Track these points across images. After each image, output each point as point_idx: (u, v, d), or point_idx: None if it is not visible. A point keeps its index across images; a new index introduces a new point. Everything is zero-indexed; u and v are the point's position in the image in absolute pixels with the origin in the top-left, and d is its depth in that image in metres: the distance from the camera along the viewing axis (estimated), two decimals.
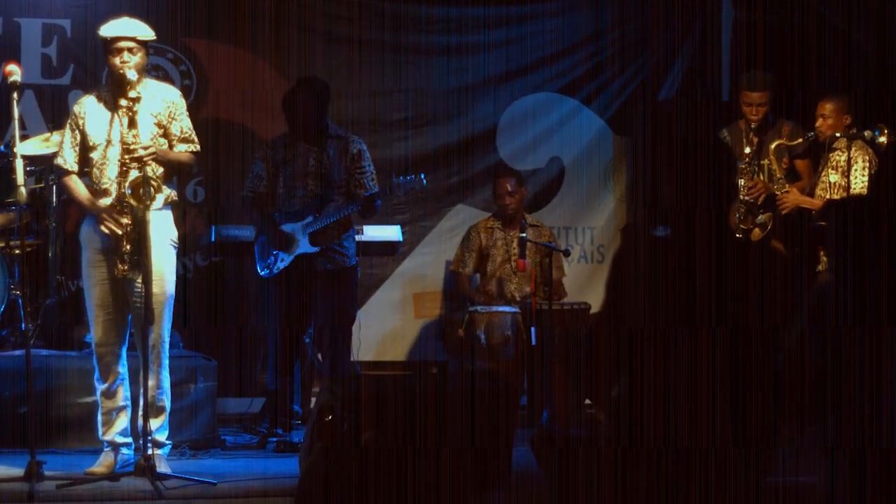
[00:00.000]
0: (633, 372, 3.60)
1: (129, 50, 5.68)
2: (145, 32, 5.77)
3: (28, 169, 7.03)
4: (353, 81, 8.36)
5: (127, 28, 5.73)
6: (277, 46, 8.29)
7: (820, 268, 6.72)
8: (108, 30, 5.73)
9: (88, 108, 5.83)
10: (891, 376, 3.73)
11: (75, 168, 5.82)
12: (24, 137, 6.87)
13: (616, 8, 8.79)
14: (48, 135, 7.24)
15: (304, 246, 6.78)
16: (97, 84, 7.59)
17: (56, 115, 7.89)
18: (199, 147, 5.93)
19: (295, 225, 6.80)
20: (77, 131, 5.82)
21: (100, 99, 5.83)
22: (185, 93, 7.44)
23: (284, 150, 6.91)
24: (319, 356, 6.95)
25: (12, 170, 6.04)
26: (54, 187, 7.21)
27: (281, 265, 6.78)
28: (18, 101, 5.57)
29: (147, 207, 5.47)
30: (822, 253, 6.73)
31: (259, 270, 6.89)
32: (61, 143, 5.93)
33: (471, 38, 8.63)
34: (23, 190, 5.48)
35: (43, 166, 7.31)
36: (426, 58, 8.58)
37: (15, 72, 5.61)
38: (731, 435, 3.52)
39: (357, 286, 7.11)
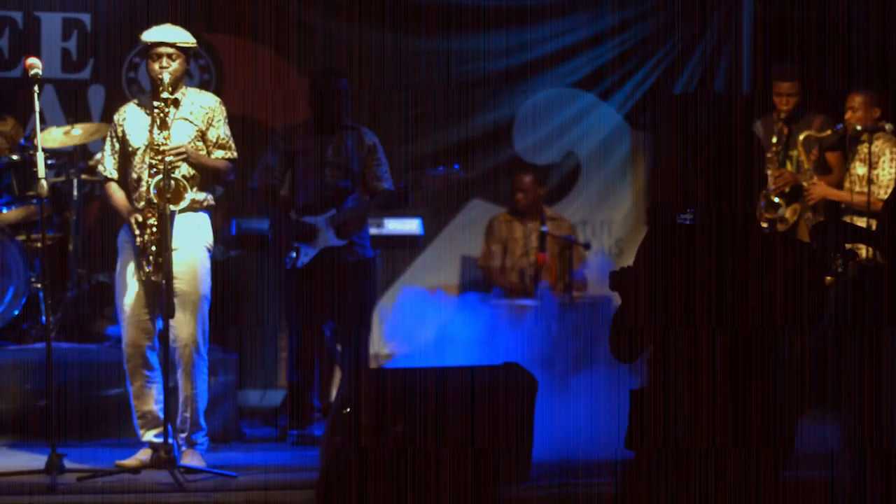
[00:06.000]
0: (656, 366, 3.59)
1: (169, 56, 5.72)
2: (185, 39, 5.80)
3: (49, 162, 7.04)
4: (357, 76, 8.34)
5: (167, 34, 5.77)
6: (295, 41, 8.28)
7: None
8: (149, 35, 5.78)
9: (128, 115, 5.86)
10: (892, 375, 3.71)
11: (114, 175, 5.86)
12: (44, 131, 6.88)
13: (633, 3, 8.77)
14: (69, 128, 7.27)
15: (330, 239, 6.72)
16: (116, 78, 7.62)
17: (76, 109, 7.91)
18: (235, 154, 5.92)
19: (317, 217, 6.73)
20: (116, 139, 5.86)
21: (140, 105, 5.87)
22: (205, 87, 7.44)
23: (300, 141, 6.81)
24: (340, 349, 6.92)
25: (33, 163, 6.07)
26: (75, 180, 7.23)
27: (305, 259, 6.72)
28: (39, 95, 5.58)
29: (168, 205, 5.46)
30: (849, 247, 6.69)
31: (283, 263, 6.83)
32: (103, 150, 5.97)
33: (485, 33, 8.61)
34: (44, 183, 5.49)
35: (64, 159, 7.33)
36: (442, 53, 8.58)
37: (36, 65, 5.62)
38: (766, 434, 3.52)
39: (378, 277, 7.08)
